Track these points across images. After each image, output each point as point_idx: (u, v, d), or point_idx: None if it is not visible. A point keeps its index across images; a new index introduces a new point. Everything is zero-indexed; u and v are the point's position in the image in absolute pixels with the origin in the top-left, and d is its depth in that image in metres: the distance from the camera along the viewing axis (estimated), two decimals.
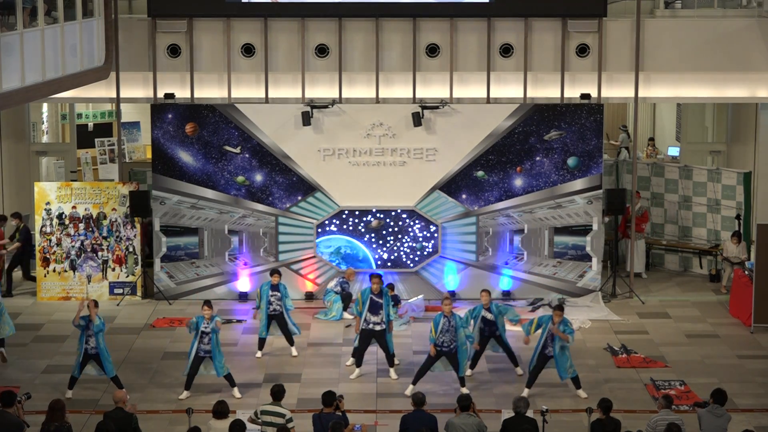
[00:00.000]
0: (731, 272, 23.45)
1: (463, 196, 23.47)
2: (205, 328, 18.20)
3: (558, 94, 23.71)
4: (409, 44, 23.69)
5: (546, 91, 23.91)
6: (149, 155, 25.71)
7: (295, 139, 23.33)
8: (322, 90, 23.86)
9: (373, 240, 23.59)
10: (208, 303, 18.40)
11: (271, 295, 20.03)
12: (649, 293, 23.99)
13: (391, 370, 19.31)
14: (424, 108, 23.22)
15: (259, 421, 15.36)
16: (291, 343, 20.34)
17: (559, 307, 18.50)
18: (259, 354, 20.17)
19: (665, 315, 22.72)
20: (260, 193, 23.45)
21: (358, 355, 19.38)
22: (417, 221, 23.54)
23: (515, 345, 19.68)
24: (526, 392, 18.20)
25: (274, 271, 20.36)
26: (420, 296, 23.05)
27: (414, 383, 18.48)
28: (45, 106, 29.36)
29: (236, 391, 18.38)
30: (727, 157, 27.50)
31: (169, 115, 23.29)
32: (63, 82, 21.33)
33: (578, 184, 23.40)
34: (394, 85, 23.91)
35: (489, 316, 19.17)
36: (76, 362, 18.35)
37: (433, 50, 23.76)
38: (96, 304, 18.37)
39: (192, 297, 23.53)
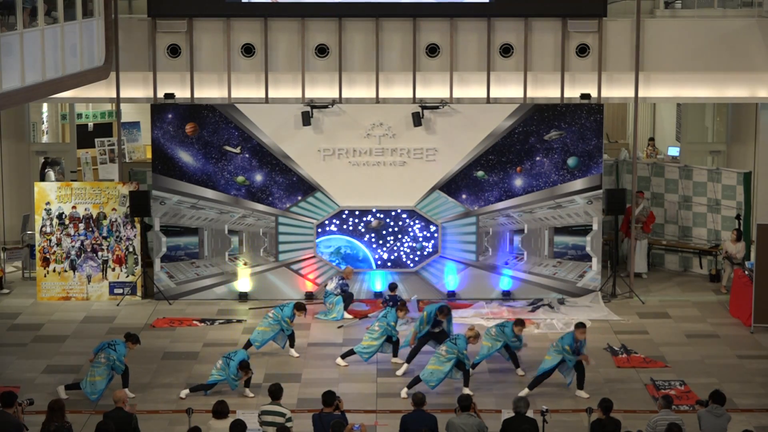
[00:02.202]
0: (731, 272, 23.45)
1: (463, 196, 23.47)
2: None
3: (558, 94, 23.71)
4: (409, 44, 23.69)
5: (546, 91, 23.91)
6: (149, 155, 25.72)
7: (295, 139, 23.32)
8: (322, 90, 23.85)
9: (373, 240, 23.59)
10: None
11: None
12: (649, 293, 23.98)
13: (405, 365, 19.32)
14: (424, 108, 23.22)
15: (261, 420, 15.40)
16: (292, 344, 20.36)
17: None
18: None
19: (665, 315, 22.72)
20: (260, 193, 23.45)
21: (411, 356, 19.47)
22: (417, 221, 23.55)
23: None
24: (525, 392, 18.24)
25: (302, 308, 20.41)
26: (414, 297, 23.03)
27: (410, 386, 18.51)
28: (45, 106, 29.37)
29: (248, 391, 18.41)
30: (727, 157, 27.50)
31: (169, 115, 23.29)
32: (63, 82, 21.33)
33: (578, 184, 23.40)
34: (394, 85, 23.91)
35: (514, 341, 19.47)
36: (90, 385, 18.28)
37: (433, 50, 23.76)
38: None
39: (192, 297, 23.54)
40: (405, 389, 18.41)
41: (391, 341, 19.81)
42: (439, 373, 18.28)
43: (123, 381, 18.29)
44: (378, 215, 23.57)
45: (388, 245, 23.62)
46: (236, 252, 23.55)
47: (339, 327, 21.92)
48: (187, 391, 18.39)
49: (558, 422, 17.12)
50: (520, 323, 19.33)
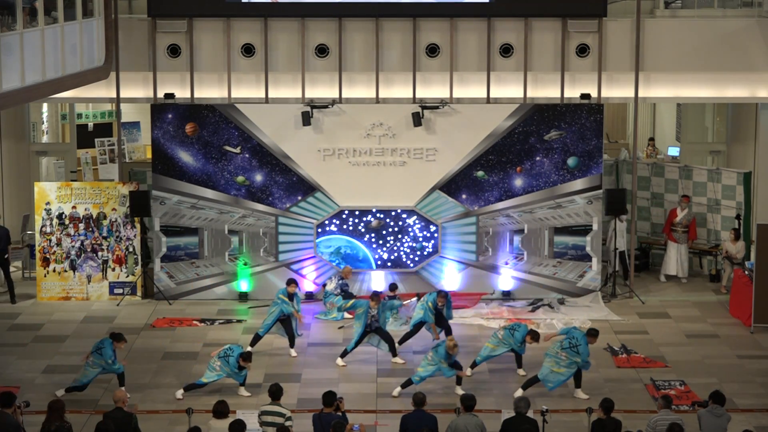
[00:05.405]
0: (731, 272, 23.46)
1: (463, 196, 23.47)
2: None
3: (558, 94, 23.71)
4: (409, 44, 23.69)
5: (546, 91, 23.91)
6: (149, 155, 25.71)
7: (295, 139, 23.33)
8: (322, 90, 23.86)
9: (373, 240, 23.59)
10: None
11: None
12: (649, 293, 23.99)
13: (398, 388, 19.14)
14: (424, 108, 23.22)
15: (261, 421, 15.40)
16: (291, 344, 20.36)
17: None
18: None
19: (665, 315, 22.72)
20: (260, 193, 23.46)
21: (404, 339, 20.25)
22: (417, 221, 23.55)
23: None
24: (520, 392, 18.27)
25: (292, 281, 20.60)
26: (414, 299, 22.99)
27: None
28: (45, 106, 29.37)
29: (243, 390, 18.40)
30: (727, 157, 27.50)
31: (169, 115, 23.29)
32: (63, 82, 21.33)
33: (578, 184, 23.41)
34: (394, 85, 23.91)
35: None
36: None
37: (433, 50, 23.76)
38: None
39: (192, 297, 23.55)
40: (398, 388, 18.52)
41: (371, 330, 19.74)
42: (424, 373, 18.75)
43: (119, 381, 18.30)
44: (378, 215, 23.57)
45: (388, 245, 23.62)
46: (236, 252, 23.56)
47: (340, 328, 21.92)
48: (181, 391, 18.38)
49: (558, 422, 17.12)
50: (535, 334, 19.36)
